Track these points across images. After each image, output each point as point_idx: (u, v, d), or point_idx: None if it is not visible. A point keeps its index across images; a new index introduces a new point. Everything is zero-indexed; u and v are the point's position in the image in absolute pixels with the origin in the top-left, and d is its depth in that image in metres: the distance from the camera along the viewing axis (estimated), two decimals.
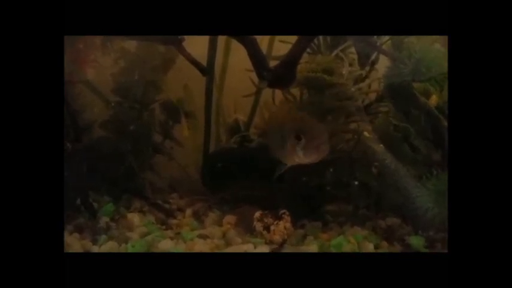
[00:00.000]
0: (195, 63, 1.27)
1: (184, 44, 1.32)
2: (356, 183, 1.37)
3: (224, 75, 1.68)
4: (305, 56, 1.51)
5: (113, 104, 1.57)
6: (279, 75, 0.98)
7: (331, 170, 1.43)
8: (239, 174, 1.54)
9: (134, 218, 1.35)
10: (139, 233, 1.28)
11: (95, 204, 1.41)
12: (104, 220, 1.33)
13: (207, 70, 1.34)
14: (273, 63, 1.28)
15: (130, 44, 1.58)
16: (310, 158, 1.09)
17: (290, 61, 0.96)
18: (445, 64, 1.33)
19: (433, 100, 1.24)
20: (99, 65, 1.50)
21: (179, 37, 1.28)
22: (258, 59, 0.99)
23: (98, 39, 1.51)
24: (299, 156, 1.10)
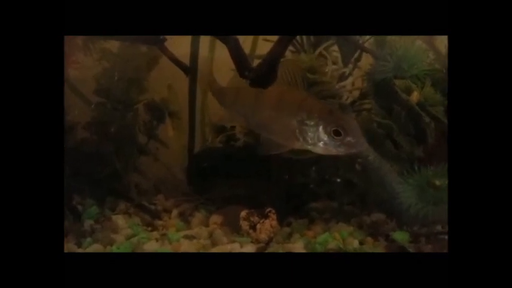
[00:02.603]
0: (177, 63, 1.26)
1: (167, 43, 1.31)
2: (338, 180, 1.38)
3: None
4: (288, 55, 1.52)
5: (92, 106, 1.56)
6: (260, 75, 0.98)
7: (315, 167, 1.44)
8: (225, 173, 1.54)
9: (119, 220, 1.34)
10: (124, 235, 1.27)
11: (79, 207, 1.40)
12: (88, 223, 1.32)
13: (189, 70, 1.34)
14: (257, 62, 1.28)
15: (113, 44, 1.56)
16: (343, 152, 1.10)
17: (271, 60, 0.96)
18: (427, 60, 1.35)
19: (415, 97, 1.25)
20: (81, 66, 1.48)
21: (161, 37, 1.27)
22: (239, 58, 0.99)
23: (79, 40, 1.49)
24: (328, 149, 1.10)
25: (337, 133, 1.07)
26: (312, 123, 1.09)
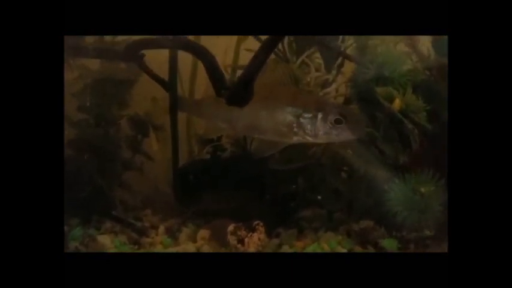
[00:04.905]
0: (157, 79, 1.25)
1: (146, 59, 1.30)
2: (319, 197, 1.38)
3: (193, 87, 1.66)
4: (271, 63, 1.50)
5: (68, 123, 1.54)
6: (236, 93, 0.97)
7: (302, 176, 1.43)
8: (212, 185, 1.52)
9: (104, 239, 1.32)
10: None
11: (65, 228, 1.38)
12: (73, 245, 1.29)
13: (169, 85, 1.32)
14: (239, 73, 1.27)
15: (92, 61, 1.54)
16: (344, 139, 1.14)
17: (247, 78, 0.96)
18: (410, 64, 1.35)
19: (397, 104, 1.25)
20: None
21: (140, 53, 1.26)
22: (216, 76, 0.98)
23: None
24: (330, 138, 1.13)
25: (338, 121, 1.11)
26: (310, 115, 1.12)
